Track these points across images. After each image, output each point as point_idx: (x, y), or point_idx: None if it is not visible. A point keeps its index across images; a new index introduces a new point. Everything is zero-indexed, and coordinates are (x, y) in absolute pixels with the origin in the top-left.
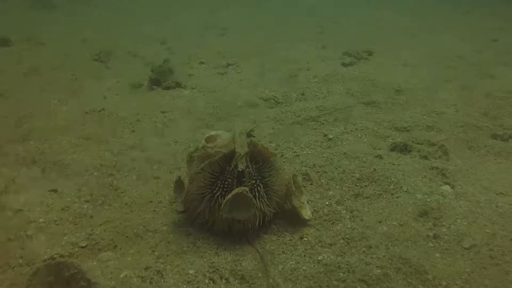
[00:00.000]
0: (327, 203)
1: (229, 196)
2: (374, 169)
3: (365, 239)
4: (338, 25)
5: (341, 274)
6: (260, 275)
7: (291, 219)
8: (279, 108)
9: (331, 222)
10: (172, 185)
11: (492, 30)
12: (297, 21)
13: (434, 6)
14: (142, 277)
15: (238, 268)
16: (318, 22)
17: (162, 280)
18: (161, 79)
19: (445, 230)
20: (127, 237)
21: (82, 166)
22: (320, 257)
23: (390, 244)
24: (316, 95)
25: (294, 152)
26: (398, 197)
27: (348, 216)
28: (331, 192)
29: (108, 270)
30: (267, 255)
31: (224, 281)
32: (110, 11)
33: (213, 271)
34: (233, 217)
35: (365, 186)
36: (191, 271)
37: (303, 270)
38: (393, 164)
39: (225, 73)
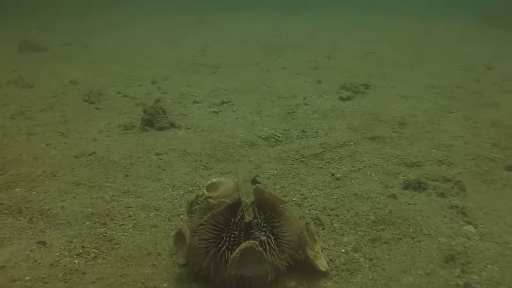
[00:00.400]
0: (343, 250)
1: (237, 251)
2: (390, 210)
3: None
4: (331, 60)
5: None
6: None
7: (305, 271)
8: (280, 147)
9: (350, 272)
10: (172, 236)
11: (485, 57)
12: (288, 56)
13: (422, 37)
14: None
15: None
16: (310, 57)
17: None
18: (154, 119)
19: (475, 277)
20: None
21: (73, 215)
22: None
23: None
24: (318, 132)
25: (302, 194)
26: (420, 242)
27: (367, 265)
28: (346, 238)
29: None
30: None
31: None
32: (99, 52)
33: None
34: (242, 274)
35: (381, 229)
36: None
37: None
38: (409, 204)
39: (220, 111)
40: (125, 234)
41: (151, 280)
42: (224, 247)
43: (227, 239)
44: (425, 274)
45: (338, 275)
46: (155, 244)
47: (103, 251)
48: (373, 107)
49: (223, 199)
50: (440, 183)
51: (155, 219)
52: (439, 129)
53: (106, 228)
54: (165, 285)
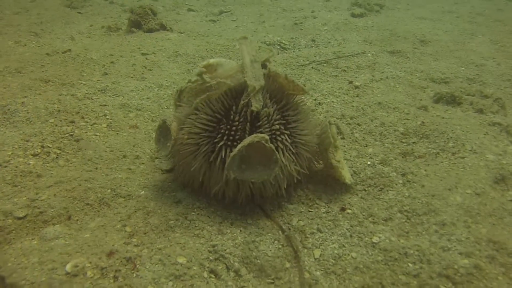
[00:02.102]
0: (368, 163)
1: (239, 147)
2: (422, 122)
3: (434, 213)
4: None
5: (410, 265)
6: (287, 265)
7: (325, 183)
8: (287, 54)
9: (379, 188)
10: (154, 131)
11: None
12: None
13: None
14: (101, 270)
15: (254, 254)
16: None
17: (135, 274)
18: (142, 20)
19: None
20: (87, 204)
21: (34, 112)
22: (375, 239)
23: (470, 220)
24: (330, 42)
25: (315, 99)
26: (463, 158)
27: (401, 181)
28: (370, 150)
29: (51, 255)
30: (296, 234)
31: (232, 274)
32: None
33: (215, 259)
34: (245, 179)
35: (413, 143)
36: (181, 260)
37: (352, 258)
38: (443, 118)
39: (218, 20)
40: (97, 134)
41: (124, 186)
42: (221, 143)
43: (226, 133)
44: (474, 194)
45: (365, 190)
46: (133, 146)
47: (67, 152)
48: (389, 24)
49: (222, 80)
50: (477, 99)
51: (136, 120)
52: (466, 49)
53: (73, 127)
54: (142, 193)
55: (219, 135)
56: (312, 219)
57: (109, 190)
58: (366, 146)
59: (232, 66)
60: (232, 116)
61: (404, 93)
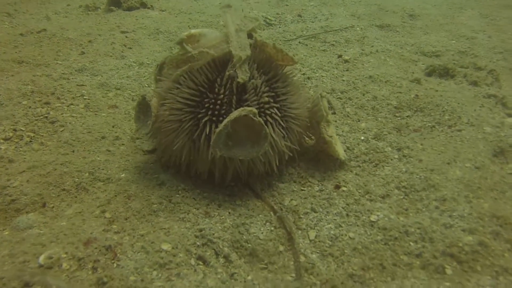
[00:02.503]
0: (362, 138)
1: (226, 122)
2: (416, 95)
3: (433, 188)
4: None
5: (412, 244)
6: (281, 248)
7: (317, 160)
8: (273, 30)
9: (374, 164)
10: (133, 109)
11: None
12: None
13: None
14: (79, 260)
15: (244, 237)
16: None
17: (115, 264)
18: None
19: None
20: (63, 190)
21: (6, 94)
22: (373, 217)
23: (472, 195)
24: (316, 17)
25: (304, 74)
26: (460, 131)
27: (397, 156)
28: (363, 124)
29: (23, 246)
30: (289, 215)
31: (222, 260)
32: None
33: (202, 244)
34: (233, 157)
35: (407, 116)
36: (165, 246)
37: (350, 238)
38: (437, 91)
39: None
40: (74, 115)
41: (103, 169)
42: (206, 118)
43: (211, 107)
44: (474, 168)
45: (360, 166)
46: (113, 127)
47: (42, 135)
48: None
49: (205, 50)
50: (471, 71)
51: (115, 99)
52: (455, 23)
53: (48, 108)
54: (122, 176)
55: (203, 110)
56: (305, 198)
57: (87, 174)
58: (359, 121)
59: (215, 36)
60: (216, 89)
61: (395, 67)
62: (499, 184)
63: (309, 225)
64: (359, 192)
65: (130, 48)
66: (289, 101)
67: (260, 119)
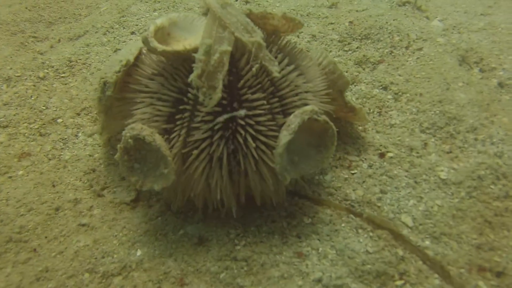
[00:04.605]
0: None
1: (286, 134)
2: (350, 21)
3: (456, 120)
4: None
5: (492, 187)
6: (400, 253)
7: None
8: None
9: (377, 113)
10: (121, 163)
11: None
12: None
13: None
14: None
15: (357, 261)
16: None
17: None
18: None
19: (501, 73)
20: None
21: None
22: (442, 175)
23: (487, 114)
24: None
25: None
26: (420, 49)
27: (390, 97)
28: None
29: None
30: (367, 209)
31: None
32: None
33: None
34: (302, 174)
35: (357, 48)
36: None
37: (440, 206)
38: (357, 11)
39: None
40: None
41: (103, 257)
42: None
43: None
44: (466, 85)
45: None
46: (54, 186)
47: None
48: None
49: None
50: None
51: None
52: None
53: None
54: (139, 253)
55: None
56: (364, 181)
57: (87, 275)
58: None
59: (192, 21)
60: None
61: None
62: (493, 94)
63: (395, 211)
64: (403, 152)
65: None
66: (308, 78)
67: (325, 116)
